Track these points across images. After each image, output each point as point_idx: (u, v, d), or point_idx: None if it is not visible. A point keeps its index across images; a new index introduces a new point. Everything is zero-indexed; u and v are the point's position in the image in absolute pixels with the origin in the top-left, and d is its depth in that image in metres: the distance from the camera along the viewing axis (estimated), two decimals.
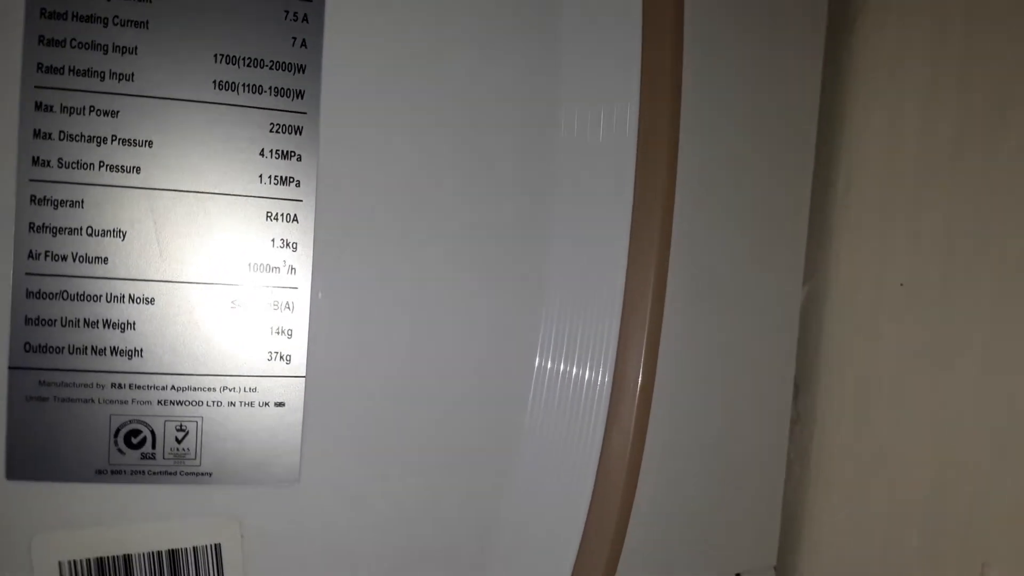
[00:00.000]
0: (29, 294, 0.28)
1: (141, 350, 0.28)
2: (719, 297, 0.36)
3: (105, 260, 0.28)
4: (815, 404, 0.40)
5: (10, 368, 0.28)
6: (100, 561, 0.29)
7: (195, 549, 0.30)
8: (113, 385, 0.28)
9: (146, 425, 0.29)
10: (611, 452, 0.32)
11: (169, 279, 0.28)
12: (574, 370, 0.32)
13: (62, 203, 0.27)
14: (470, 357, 0.32)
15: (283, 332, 0.29)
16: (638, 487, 0.33)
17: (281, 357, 0.29)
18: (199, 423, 0.29)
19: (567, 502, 0.33)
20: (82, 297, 0.28)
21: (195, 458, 0.29)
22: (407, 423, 0.31)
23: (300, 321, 0.29)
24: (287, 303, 0.29)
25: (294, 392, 0.30)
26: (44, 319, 0.28)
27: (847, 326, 0.38)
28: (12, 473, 0.28)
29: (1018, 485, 0.31)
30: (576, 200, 0.32)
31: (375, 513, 0.31)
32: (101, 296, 0.28)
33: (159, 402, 0.29)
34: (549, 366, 0.32)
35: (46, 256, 0.27)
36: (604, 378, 0.32)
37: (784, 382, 0.39)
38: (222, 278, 0.29)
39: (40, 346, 0.28)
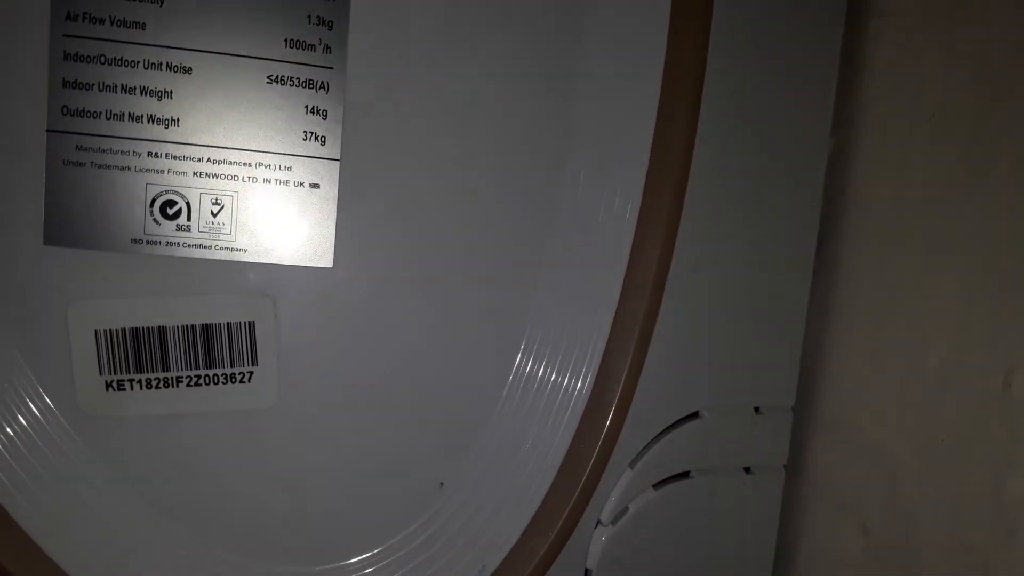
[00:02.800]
0: (67, 56, 0.28)
1: (178, 120, 0.28)
2: (749, 138, 0.35)
3: (143, 26, 0.28)
4: (838, 253, 0.40)
5: (48, 131, 0.28)
6: (135, 332, 0.29)
7: (229, 325, 0.30)
8: (150, 154, 0.28)
9: (182, 196, 0.29)
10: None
11: (207, 49, 0.28)
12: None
13: None
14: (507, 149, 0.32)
15: (318, 112, 0.29)
16: (662, 317, 0.33)
17: (316, 138, 0.30)
18: (234, 198, 0.29)
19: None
20: (120, 62, 0.28)
21: (229, 233, 0.29)
22: (440, 213, 0.31)
23: (335, 103, 0.29)
24: (322, 83, 0.29)
25: (328, 174, 0.30)
26: (82, 82, 0.28)
27: (873, 175, 0.38)
28: (50, 239, 0.28)
29: None
30: None
31: (407, 300, 0.31)
32: (139, 62, 0.28)
33: (195, 174, 0.29)
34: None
35: (84, 18, 0.27)
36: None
37: (808, 231, 0.39)
38: (259, 51, 0.29)
39: (78, 110, 0.28)
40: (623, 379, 0.33)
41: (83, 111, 0.28)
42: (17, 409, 0.29)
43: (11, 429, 0.29)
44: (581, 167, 0.32)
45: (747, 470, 0.39)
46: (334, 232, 0.30)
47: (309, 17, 0.29)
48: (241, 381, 0.30)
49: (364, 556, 0.33)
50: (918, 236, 0.35)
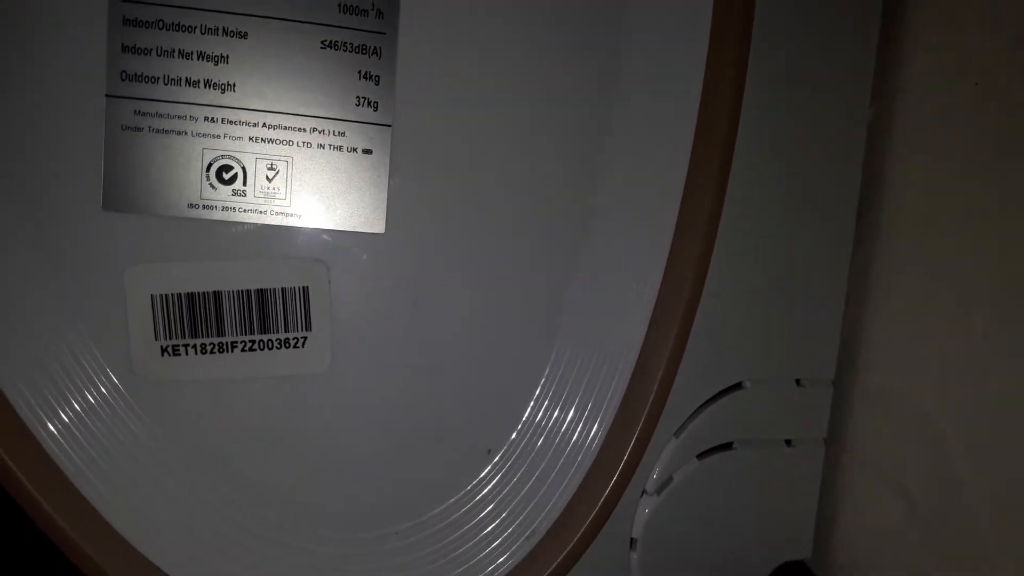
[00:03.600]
0: (126, 21, 0.28)
1: (234, 85, 0.29)
2: (790, 111, 0.35)
3: None
4: (879, 224, 0.40)
5: (107, 96, 0.28)
6: (191, 296, 0.29)
7: (283, 290, 0.30)
8: (206, 119, 0.29)
9: (237, 161, 0.29)
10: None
11: (262, 14, 0.29)
12: None
13: None
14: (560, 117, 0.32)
15: (371, 78, 0.30)
16: (706, 288, 0.33)
17: (369, 103, 0.30)
18: (289, 163, 0.29)
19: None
20: (177, 27, 0.28)
21: (284, 198, 0.30)
22: (491, 180, 0.31)
23: (387, 68, 0.30)
24: (375, 48, 0.30)
25: (381, 140, 0.30)
26: (140, 48, 0.28)
27: (912, 146, 0.38)
28: (108, 203, 0.29)
29: None
30: None
31: (459, 267, 0.31)
32: (196, 27, 0.28)
33: (251, 139, 0.29)
34: None
35: None
36: None
37: (848, 203, 0.39)
38: (313, 16, 0.29)
39: (136, 75, 0.28)
40: (669, 349, 0.33)
41: (141, 76, 0.28)
42: (77, 377, 0.29)
43: (75, 401, 0.29)
44: (630, 126, 0.32)
45: (788, 442, 0.39)
46: (386, 198, 0.30)
47: None
48: (295, 347, 0.30)
49: (411, 523, 0.33)
50: (959, 205, 0.35)
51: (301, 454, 0.31)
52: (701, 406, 0.36)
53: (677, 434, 0.35)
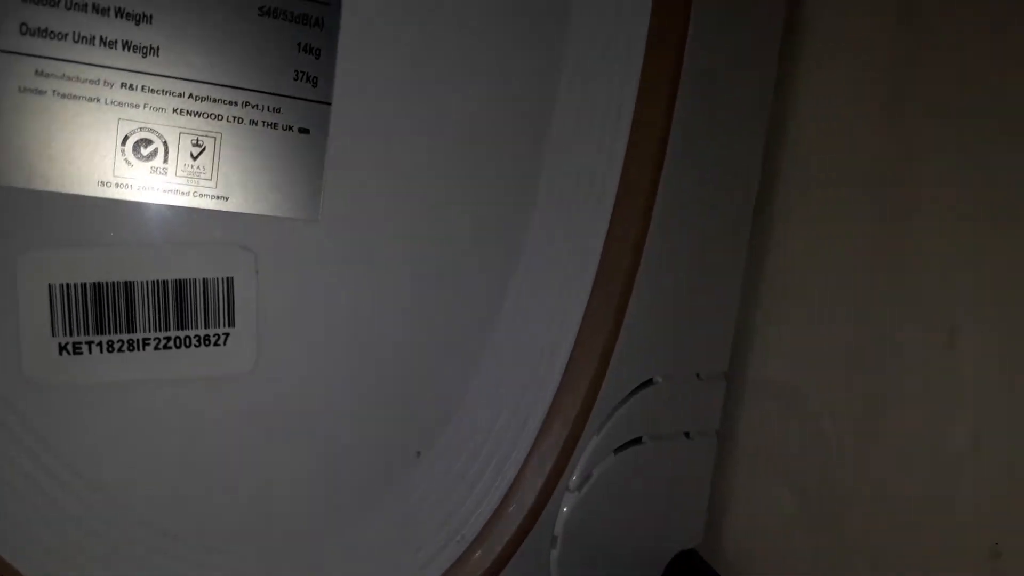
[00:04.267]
0: None
1: (157, 48, 0.25)
2: (688, 114, 0.36)
3: None
4: (772, 223, 0.42)
5: (1, 51, 0.24)
6: (97, 287, 0.26)
7: (205, 281, 0.27)
8: (124, 85, 0.25)
9: (158, 135, 0.26)
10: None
11: None
12: None
13: None
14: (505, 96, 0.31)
15: (311, 51, 0.27)
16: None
17: (307, 78, 0.27)
18: (217, 140, 0.26)
19: None
20: None
21: (211, 179, 0.27)
22: (434, 167, 0.30)
23: (329, 41, 0.27)
24: (317, 19, 0.27)
25: (319, 119, 0.28)
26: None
27: (808, 146, 0.40)
28: (3, 177, 0.24)
29: None
30: None
31: (395, 257, 0.30)
32: None
33: (174, 111, 0.26)
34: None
35: None
36: None
37: (744, 203, 0.40)
38: None
39: (40, 29, 0.24)
40: (600, 349, 0.33)
41: (46, 31, 0.24)
42: None
43: None
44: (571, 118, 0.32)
45: (687, 435, 0.40)
46: (322, 183, 0.28)
47: None
48: (216, 344, 0.27)
49: (338, 530, 0.31)
50: (853, 204, 0.38)
51: (219, 461, 0.28)
52: (620, 402, 0.36)
53: (599, 430, 0.35)
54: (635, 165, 0.32)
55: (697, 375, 0.40)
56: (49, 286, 0.25)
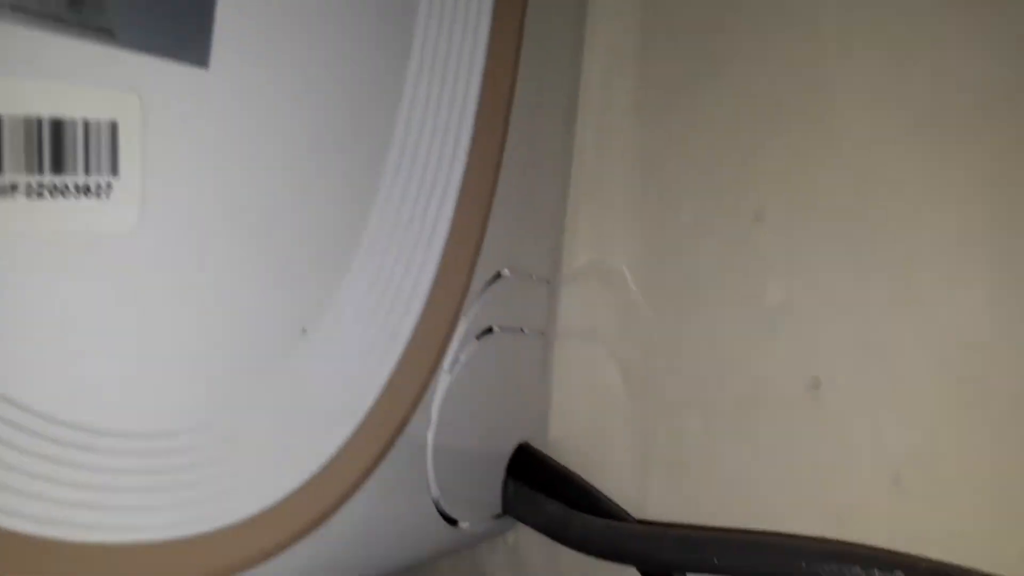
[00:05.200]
0: None
1: None
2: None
3: None
4: (594, 129, 0.45)
5: None
6: None
7: (87, 123, 0.24)
8: None
9: None
10: None
11: None
12: None
13: None
14: None
15: None
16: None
17: None
18: None
19: None
20: None
21: (98, 6, 0.24)
22: (320, 24, 0.29)
23: None
24: None
25: None
26: None
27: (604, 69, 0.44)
28: None
29: None
30: None
31: (282, 111, 0.28)
32: None
33: None
34: None
35: None
36: None
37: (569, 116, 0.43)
38: None
39: None
40: (474, 239, 0.34)
41: None
42: None
43: None
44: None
45: (522, 331, 0.42)
46: (213, 26, 0.26)
47: None
48: (96, 195, 0.25)
49: (227, 409, 0.29)
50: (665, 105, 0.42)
51: (91, 332, 0.25)
52: (480, 292, 0.37)
53: (467, 317, 0.36)
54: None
55: (530, 275, 0.42)
56: None
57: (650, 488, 0.43)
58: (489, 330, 0.39)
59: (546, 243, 0.43)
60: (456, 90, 0.33)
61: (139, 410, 0.26)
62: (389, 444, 0.31)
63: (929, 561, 0.32)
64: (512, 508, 0.42)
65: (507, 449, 0.42)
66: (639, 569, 0.39)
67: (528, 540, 0.46)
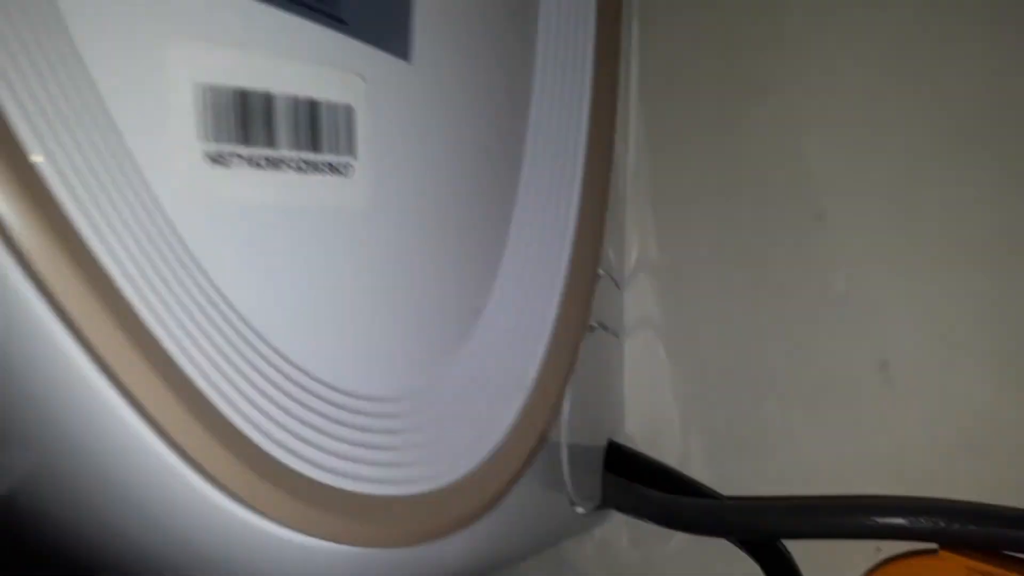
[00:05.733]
0: None
1: None
2: None
3: None
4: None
5: None
6: (243, 95, 0.24)
7: (333, 105, 0.26)
8: None
9: None
10: None
11: None
12: None
13: None
14: None
15: None
16: None
17: None
18: None
19: None
20: None
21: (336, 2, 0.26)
22: (487, 28, 0.32)
23: None
24: None
25: None
26: None
27: None
28: None
29: None
30: None
31: (461, 106, 0.31)
32: None
33: None
34: None
35: None
36: None
37: None
38: None
39: None
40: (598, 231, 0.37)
41: None
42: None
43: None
44: None
45: (604, 327, 0.45)
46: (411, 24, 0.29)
47: None
48: (343, 173, 0.27)
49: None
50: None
51: (339, 300, 0.27)
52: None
53: None
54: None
55: (610, 274, 0.45)
56: (198, 86, 0.23)
57: (732, 473, 0.46)
58: (591, 328, 0.41)
59: (617, 243, 0.46)
60: (572, 90, 0.36)
61: (369, 375, 0.27)
62: (546, 431, 0.33)
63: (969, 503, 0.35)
64: (613, 500, 0.44)
65: (602, 444, 0.44)
66: (744, 540, 0.41)
67: (616, 533, 0.47)
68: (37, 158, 0.19)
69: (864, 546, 0.39)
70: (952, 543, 0.32)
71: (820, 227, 0.43)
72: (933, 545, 0.33)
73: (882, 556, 0.38)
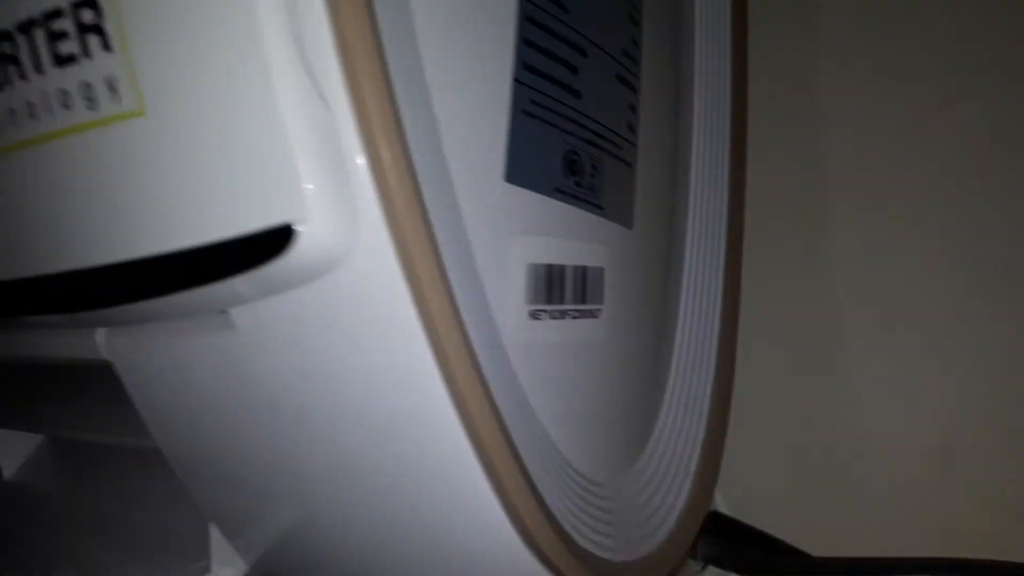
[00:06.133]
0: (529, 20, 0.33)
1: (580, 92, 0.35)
2: None
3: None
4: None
5: (515, 81, 0.32)
6: (550, 268, 0.34)
7: (591, 269, 0.36)
8: (567, 117, 0.35)
9: (582, 156, 0.35)
10: None
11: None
12: None
13: None
14: None
15: (634, 111, 0.39)
16: None
17: (631, 128, 0.39)
18: (601, 164, 0.37)
19: None
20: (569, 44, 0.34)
21: (598, 193, 0.37)
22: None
23: (638, 104, 0.39)
24: (631, 83, 0.39)
25: (633, 158, 0.39)
26: (537, 44, 0.33)
27: None
28: (511, 176, 0.32)
29: None
30: None
31: (653, 259, 0.41)
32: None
33: (589, 141, 0.36)
34: None
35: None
36: None
37: None
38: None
39: (533, 68, 0.33)
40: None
41: (535, 69, 0.33)
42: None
43: None
44: None
45: None
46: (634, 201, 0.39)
47: None
48: (594, 316, 0.36)
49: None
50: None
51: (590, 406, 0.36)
52: None
53: None
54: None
55: None
56: (528, 265, 0.33)
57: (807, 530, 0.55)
58: None
59: None
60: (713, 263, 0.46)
61: (606, 466, 0.37)
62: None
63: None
64: (715, 559, 0.53)
65: None
66: None
67: None
68: None
69: None
70: None
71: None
72: None
73: None
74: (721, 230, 0.46)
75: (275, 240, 0.25)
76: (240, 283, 0.26)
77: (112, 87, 0.25)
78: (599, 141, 0.36)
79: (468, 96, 0.29)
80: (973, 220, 0.50)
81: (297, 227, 0.24)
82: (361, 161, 0.24)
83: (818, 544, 0.54)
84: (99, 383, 0.33)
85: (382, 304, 0.26)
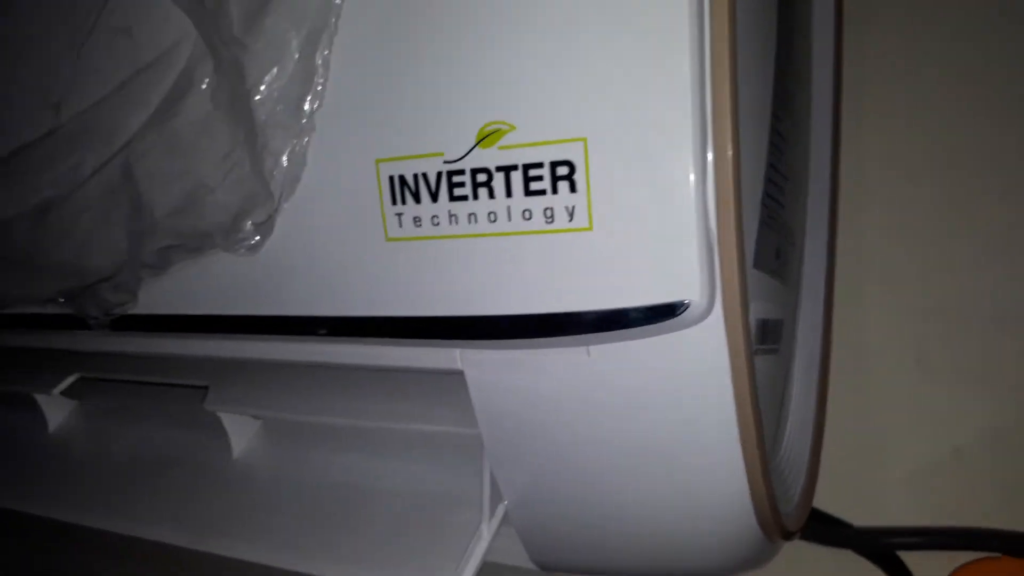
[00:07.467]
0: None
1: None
2: None
3: None
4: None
5: (761, 203, 0.50)
6: (764, 322, 0.52)
7: (778, 321, 0.55)
8: (779, 224, 0.53)
9: (780, 246, 0.54)
10: None
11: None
12: None
13: None
14: None
15: None
16: None
17: None
18: None
19: None
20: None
21: (784, 266, 0.55)
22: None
23: None
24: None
25: None
26: (771, 180, 0.51)
27: None
28: (756, 264, 0.50)
29: None
30: None
31: (779, 304, 0.60)
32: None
33: None
34: None
35: None
36: None
37: None
38: None
39: (768, 194, 0.51)
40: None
41: (768, 195, 0.51)
42: None
43: None
44: None
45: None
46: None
47: None
48: (777, 352, 0.55)
49: None
50: None
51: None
52: None
53: None
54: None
55: None
56: (757, 319, 0.51)
57: None
58: None
59: None
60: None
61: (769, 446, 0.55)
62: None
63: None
64: (810, 535, 0.72)
65: None
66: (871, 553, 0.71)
67: None
68: None
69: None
70: (1010, 552, 0.62)
71: None
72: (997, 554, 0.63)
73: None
74: (820, 284, 0.65)
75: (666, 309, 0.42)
76: (633, 333, 0.43)
77: (570, 213, 0.42)
78: (788, 235, 0.54)
79: (747, 212, 0.47)
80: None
81: (686, 301, 0.41)
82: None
83: None
84: None
85: (715, 352, 0.43)
